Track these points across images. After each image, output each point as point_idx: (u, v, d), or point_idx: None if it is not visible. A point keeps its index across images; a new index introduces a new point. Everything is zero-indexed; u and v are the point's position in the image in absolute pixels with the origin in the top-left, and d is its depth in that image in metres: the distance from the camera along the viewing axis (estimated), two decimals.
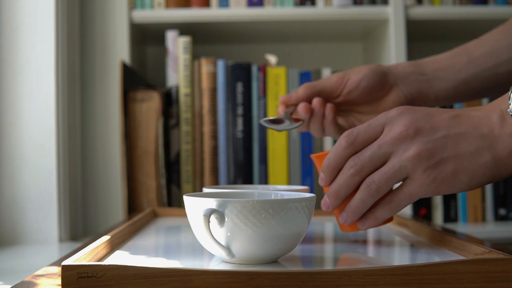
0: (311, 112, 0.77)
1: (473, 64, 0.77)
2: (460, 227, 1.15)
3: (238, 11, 1.19)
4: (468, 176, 0.55)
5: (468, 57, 0.77)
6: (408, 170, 0.55)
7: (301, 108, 0.77)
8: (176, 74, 1.19)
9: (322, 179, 0.61)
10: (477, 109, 0.57)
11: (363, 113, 0.80)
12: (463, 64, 0.77)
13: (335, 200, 0.60)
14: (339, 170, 0.59)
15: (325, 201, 0.61)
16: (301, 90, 0.78)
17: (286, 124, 0.76)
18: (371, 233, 0.74)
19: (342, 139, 0.58)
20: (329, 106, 0.77)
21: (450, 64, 0.78)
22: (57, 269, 0.52)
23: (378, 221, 0.59)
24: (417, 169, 0.55)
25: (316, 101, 0.77)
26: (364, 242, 0.67)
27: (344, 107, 0.80)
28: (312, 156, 0.64)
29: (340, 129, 0.79)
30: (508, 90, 0.55)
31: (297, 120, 0.76)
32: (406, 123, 0.56)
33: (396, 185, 0.58)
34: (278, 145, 1.18)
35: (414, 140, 0.55)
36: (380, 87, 0.77)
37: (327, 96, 0.78)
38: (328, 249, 0.62)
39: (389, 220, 0.63)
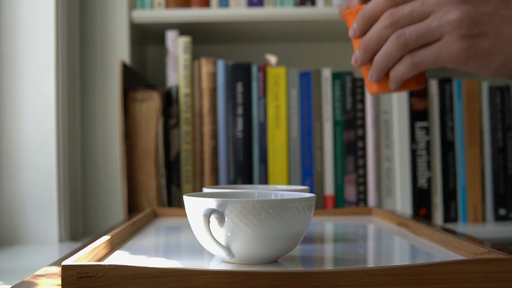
0: None
1: None
2: (460, 227, 1.15)
3: (238, 11, 1.19)
4: (502, 59, 0.52)
5: None
6: (445, 31, 0.52)
7: None
8: (176, 74, 1.19)
9: (353, 30, 0.57)
10: None
11: None
12: None
13: (364, 53, 0.56)
14: (373, 21, 0.55)
15: (355, 55, 0.57)
16: None
17: None
18: (371, 233, 0.74)
19: None
20: None
21: None
22: (57, 269, 0.52)
23: (398, 80, 0.56)
24: (454, 33, 0.52)
25: None
26: (364, 242, 0.67)
27: None
28: (344, 13, 0.59)
29: None
30: None
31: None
32: None
33: None
34: (278, 145, 1.18)
35: (461, 6, 0.52)
36: None
37: None
38: (328, 249, 0.62)
39: (421, 83, 0.58)
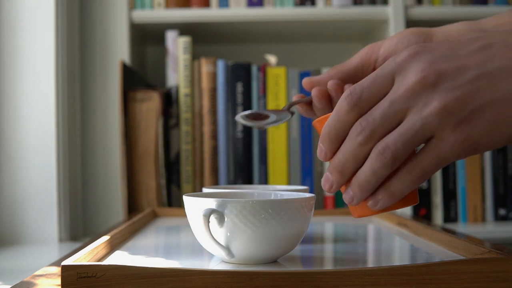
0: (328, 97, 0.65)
1: None
2: (460, 227, 1.15)
3: (238, 11, 1.19)
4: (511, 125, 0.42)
5: None
6: (433, 128, 0.42)
7: (330, 84, 0.65)
8: (176, 74, 1.19)
9: (321, 151, 0.47)
10: None
11: None
12: None
13: (340, 177, 0.46)
14: (342, 139, 0.46)
15: (327, 178, 0.47)
16: (327, 74, 0.67)
17: (272, 118, 0.65)
18: (371, 233, 0.74)
19: (343, 100, 0.45)
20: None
21: (510, 19, 0.62)
22: (56, 269, 0.52)
23: (394, 198, 0.45)
24: (445, 126, 0.42)
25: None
26: (364, 242, 0.67)
27: None
28: (314, 121, 0.51)
29: None
30: None
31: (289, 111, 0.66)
32: (423, 67, 0.43)
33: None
34: (278, 145, 1.18)
35: (437, 89, 0.42)
36: None
37: (358, 74, 0.66)
38: (328, 249, 0.62)
39: (412, 201, 0.47)
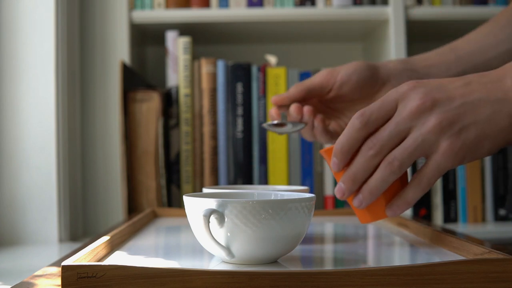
0: (302, 114, 0.77)
1: (461, 61, 0.78)
2: (460, 227, 1.15)
3: (238, 11, 1.19)
4: (490, 141, 0.54)
5: (456, 55, 0.78)
6: (431, 142, 0.54)
7: (293, 109, 0.77)
8: (176, 75, 1.19)
9: (335, 164, 0.57)
10: (486, 75, 0.56)
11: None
12: (452, 62, 0.78)
13: (352, 185, 0.57)
14: (352, 153, 0.57)
15: (340, 187, 0.57)
16: (292, 90, 0.78)
17: (289, 127, 0.76)
18: (371, 233, 0.74)
19: (355, 120, 0.56)
20: (318, 118, 0.77)
21: (440, 61, 0.78)
22: (56, 270, 0.52)
23: (410, 204, 0.57)
24: (441, 139, 0.54)
25: (306, 110, 0.77)
26: (364, 242, 0.67)
27: (336, 104, 0.80)
28: (321, 151, 0.62)
29: (332, 136, 0.79)
30: None
31: (298, 121, 0.77)
32: (421, 96, 0.55)
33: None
34: (278, 146, 1.18)
35: (433, 112, 0.54)
36: (372, 82, 0.77)
37: (318, 93, 0.78)
38: (328, 249, 0.62)
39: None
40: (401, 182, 0.58)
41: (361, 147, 0.56)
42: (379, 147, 0.55)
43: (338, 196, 0.58)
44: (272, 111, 0.79)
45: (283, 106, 0.79)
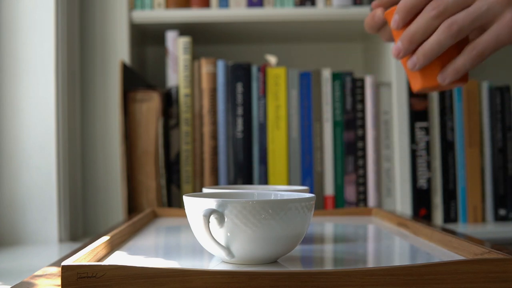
0: None
1: None
2: (460, 227, 1.15)
3: (238, 11, 1.19)
4: None
5: None
6: (496, 12, 0.53)
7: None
8: (176, 75, 1.19)
9: (395, 21, 0.57)
10: None
11: None
12: None
13: (409, 45, 0.56)
14: (415, 13, 0.56)
15: (397, 46, 0.57)
16: None
17: None
18: (371, 233, 0.74)
19: None
20: None
21: None
22: (56, 270, 0.52)
23: (458, 73, 0.56)
24: (506, 10, 0.53)
25: None
26: (364, 242, 0.67)
27: None
28: (386, 12, 0.60)
29: None
30: None
31: None
32: None
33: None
34: (278, 145, 1.18)
35: None
36: None
37: None
38: (328, 249, 0.62)
39: (465, 80, 0.58)
40: (459, 51, 0.57)
41: (425, 8, 0.55)
42: (443, 9, 0.54)
43: (394, 55, 0.57)
44: (378, 11, 0.72)
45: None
